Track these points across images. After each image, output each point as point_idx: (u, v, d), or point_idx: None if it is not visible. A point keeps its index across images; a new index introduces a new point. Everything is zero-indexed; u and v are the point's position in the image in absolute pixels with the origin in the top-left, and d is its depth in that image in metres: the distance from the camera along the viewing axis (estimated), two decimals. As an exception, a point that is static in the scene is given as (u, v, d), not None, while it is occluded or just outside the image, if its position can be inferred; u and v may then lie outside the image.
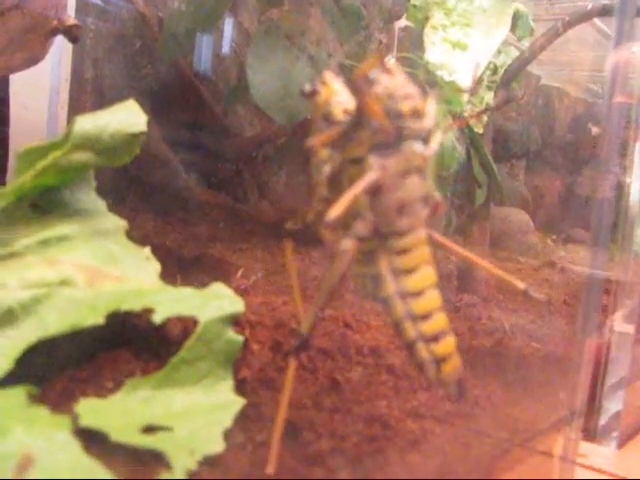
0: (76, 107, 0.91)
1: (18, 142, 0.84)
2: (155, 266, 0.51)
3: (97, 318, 0.42)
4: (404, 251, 0.36)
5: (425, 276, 0.36)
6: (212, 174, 1.02)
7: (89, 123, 0.47)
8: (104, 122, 0.48)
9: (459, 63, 0.84)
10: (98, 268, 0.46)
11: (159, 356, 0.45)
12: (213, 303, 0.44)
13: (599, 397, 0.67)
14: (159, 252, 0.82)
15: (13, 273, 0.42)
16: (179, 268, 0.75)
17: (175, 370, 0.42)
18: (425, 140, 0.35)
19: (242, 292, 0.58)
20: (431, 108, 0.36)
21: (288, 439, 0.42)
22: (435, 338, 0.36)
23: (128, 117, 0.49)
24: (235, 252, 0.88)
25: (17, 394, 0.36)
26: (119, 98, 0.95)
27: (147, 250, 0.52)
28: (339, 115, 0.37)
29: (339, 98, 0.38)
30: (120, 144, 0.49)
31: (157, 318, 0.42)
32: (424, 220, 0.36)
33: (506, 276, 0.42)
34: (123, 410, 0.40)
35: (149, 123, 0.49)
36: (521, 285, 0.42)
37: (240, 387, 0.45)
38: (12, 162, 0.79)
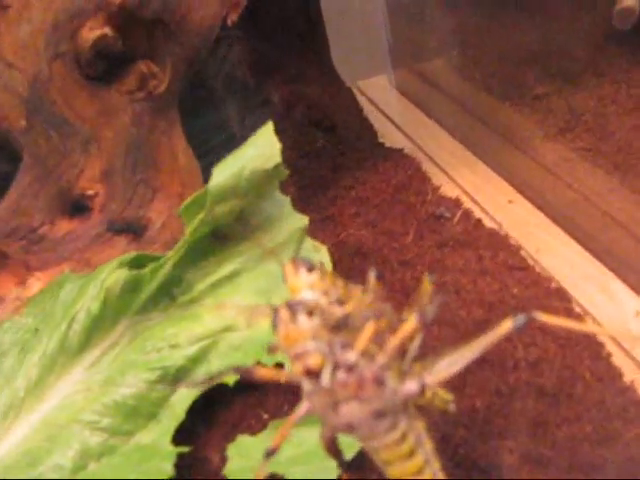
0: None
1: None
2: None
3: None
4: (373, 450, 0.35)
5: (399, 469, 0.35)
6: None
7: (223, 175, 0.51)
8: (238, 168, 0.51)
9: None
10: (257, 305, 0.53)
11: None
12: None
13: None
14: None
15: (184, 329, 0.53)
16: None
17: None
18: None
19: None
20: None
21: None
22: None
23: (261, 153, 0.51)
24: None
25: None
26: None
27: (323, 251, 0.56)
28: None
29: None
30: (260, 181, 0.52)
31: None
32: (386, 428, 0.34)
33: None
34: (260, 449, 0.49)
35: None
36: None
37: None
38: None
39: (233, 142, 0.76)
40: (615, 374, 0.49)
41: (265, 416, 0.52)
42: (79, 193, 0.66)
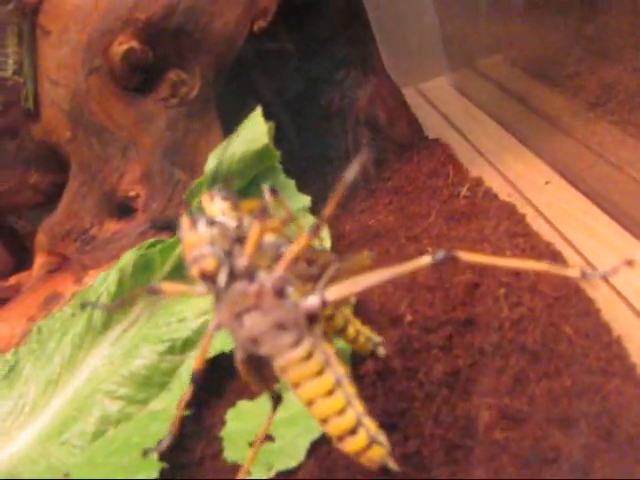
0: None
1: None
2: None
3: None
4: (282, 370, 0.37)
5: (309, 390, 0.36)
6: None
7: (215, 161, 0.55)
8: (230, 152, 0.55)
9: None
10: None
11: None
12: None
13: None
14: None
15: (191, 305, 0.57)
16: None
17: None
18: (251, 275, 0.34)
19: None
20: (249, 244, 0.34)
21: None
22: (340, 438, 0.37)
23: (250, 136, 0.55)
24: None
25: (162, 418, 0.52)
26: None
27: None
28: None
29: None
30: (251, 161, 0.55)
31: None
32: (289, 343, 0.36)
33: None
34: (258, 414, 0.52)
35: None
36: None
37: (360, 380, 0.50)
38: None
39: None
40: (602, 330, 0.48)
41: (265, 383, 0.54)
42: (122, 195, 0.72)
